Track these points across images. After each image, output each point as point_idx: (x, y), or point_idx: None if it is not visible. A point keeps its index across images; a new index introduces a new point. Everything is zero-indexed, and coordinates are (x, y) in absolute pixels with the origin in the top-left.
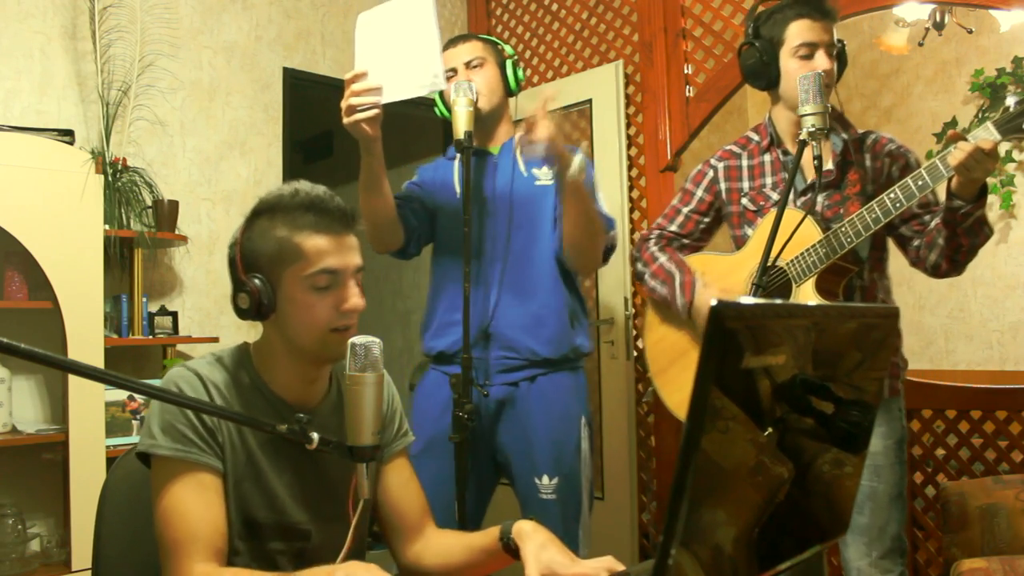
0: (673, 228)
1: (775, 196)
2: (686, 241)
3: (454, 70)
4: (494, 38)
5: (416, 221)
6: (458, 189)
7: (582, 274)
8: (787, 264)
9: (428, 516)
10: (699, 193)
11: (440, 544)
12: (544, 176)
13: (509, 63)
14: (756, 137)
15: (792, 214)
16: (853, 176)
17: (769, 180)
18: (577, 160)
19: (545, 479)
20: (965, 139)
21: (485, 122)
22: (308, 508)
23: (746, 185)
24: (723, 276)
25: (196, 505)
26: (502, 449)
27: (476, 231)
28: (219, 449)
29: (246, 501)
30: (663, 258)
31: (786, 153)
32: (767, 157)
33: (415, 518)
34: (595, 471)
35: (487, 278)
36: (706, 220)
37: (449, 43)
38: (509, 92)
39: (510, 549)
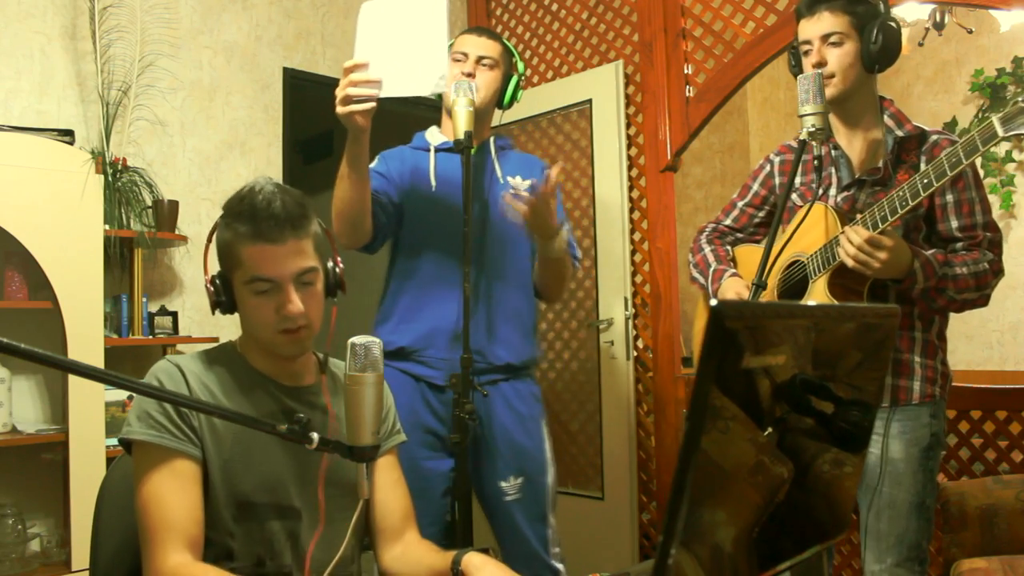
0: (728, 222)
1: (820, 191)
2: (740, 235)
3: (465, 55)
4: (514, 49)
5: (385, 218)
6: (434, 183)
7: (547, 303)
8: (808, 258)
9: (411, 521)
10: (755, 187)
11: (413, 556)
12: (520, 187)
13: (515, 79)
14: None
15: (817, 208)
16: (903, 176)
17: (818, 176)
18: (563, 234)
19: (511, 479)
20: (952, 142)
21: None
22: (299, 487)
23: (798, 180)
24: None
25: (170, 493)
26: (476, 452)
27: (449, 228)
28: (193, 435)
29: (237, 481)
30: (707, 249)
31: (836, 148)
32: (821, 152)
33: (398, 520)
34: (596, 472)
35: (458, 279)
36: (760, 214)
37: (473, 30)
38: (499, 102)
39: None
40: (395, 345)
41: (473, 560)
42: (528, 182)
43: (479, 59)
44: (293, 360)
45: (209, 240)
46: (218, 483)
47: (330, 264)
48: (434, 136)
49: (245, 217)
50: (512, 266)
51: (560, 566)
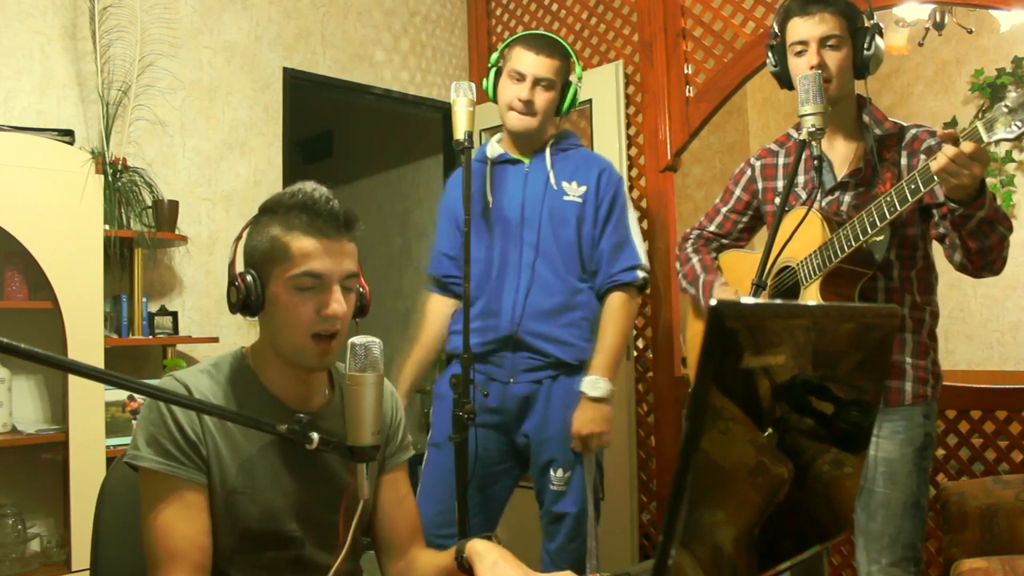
0: (712, 228)
1: (804, 195)
2: (724, 241)
3: (522, 75)
4: (575, 55)
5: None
6: (490, 199)
7: None
8: (798, 265)
9: (418, 535)
10: (737, 192)
11: (417, 563)
12: (573, 192)
13: (573, 87)
14: (795, 134)
15: (801, 213)
16: (887, 174)
17: (801, 178)
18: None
19: (560, 471)
20: (957, 139)
21: (530, 137)
22: (302, 516)
23: (779, 184)
24: (748, 273)
25: (178, 523)
26: (524, 439)
27: (505, 239)
28: (203, 463)
29: (240, 512)
30: (695, 259)
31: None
32: (802, 156)
33: (405, 536)
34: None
35: (516, 284)
36: (744, 219)
37: (531, 43)
38: (558, 111)
39: (464, 568)
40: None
41: (476, 547)
42: (583, 188)
43: (536, 80)
44: (311, 375)
45: (239, 237)
46: (220, 512)
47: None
48: (493, 148)
49: (302, 209)
50: (564, 274)
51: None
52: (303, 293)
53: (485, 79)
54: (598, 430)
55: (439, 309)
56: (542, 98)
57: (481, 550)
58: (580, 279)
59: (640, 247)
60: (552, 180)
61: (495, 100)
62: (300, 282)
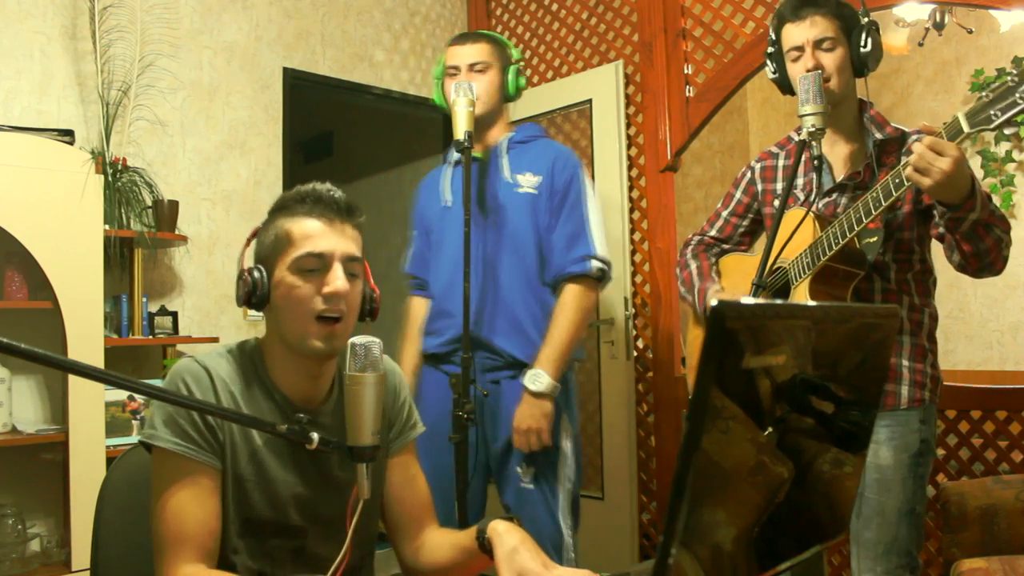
0: (713, 233)
1: (803, 196)
2: (726, 246)
3: (457, 68)
4: (504, 39)
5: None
6: (448, 197)
7: None
8: (789, 264)
9: (431, 514)
10: (737, 195)
11: (433, 542)
12: (527, 183)
13: (512, 69)
14: (796, 137)
15: (798, 213)
16: (884, 177)
17: (800, 180)
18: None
19: (525, 465)
20: (933, 134)
21: (478, 126)
22: (306, 507)
23: (779, 186)
24: (748, 275)
25: (190, 506)
26: (486, 440)
27: (459, 238)
28: (219, 447)
29: (247, 498)
30: (693, 265)
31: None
32: (802, 157)
33: (417, 515)
34: (596, 472)
35: (471, 283)
36: (744, 223)
37: (457, 39)
38: (507, 97)
39: (485, 549)
40: (428, 351)
41: (497, 527)
42: (537, 178)
43: (470, 67)
44: (320, 367)
45: (249, 242)
46: (229, 497)
47: (367, 288)
48: (453, 152)
49: (305, 199)
50: (519, 268)
51: (569, 539)
52: (306, 275)
53: (435, 93)
54: (535, 426)
55: (418, 309)
56: (480, 81)
57: (502, 531)
58: (536, 274)
59: (597, 236)
60: (506, 172)
61: (448, 109)
62: (302, 263)
